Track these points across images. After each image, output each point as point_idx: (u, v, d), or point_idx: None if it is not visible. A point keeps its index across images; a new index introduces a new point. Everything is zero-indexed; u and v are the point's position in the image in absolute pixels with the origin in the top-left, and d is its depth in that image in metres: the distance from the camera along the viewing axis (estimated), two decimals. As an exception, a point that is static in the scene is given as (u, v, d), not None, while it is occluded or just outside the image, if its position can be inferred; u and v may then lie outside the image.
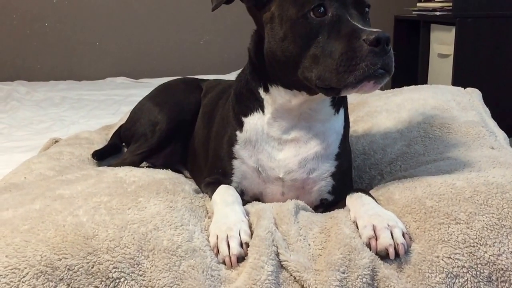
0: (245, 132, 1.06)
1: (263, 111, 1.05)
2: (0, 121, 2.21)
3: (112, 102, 2.71)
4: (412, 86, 1.66)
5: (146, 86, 3.01)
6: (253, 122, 1.05)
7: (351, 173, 1.16)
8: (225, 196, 0.98)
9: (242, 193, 1.06)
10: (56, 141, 1.58)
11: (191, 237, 0.88)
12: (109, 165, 1.31)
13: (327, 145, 1.05)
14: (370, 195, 0.98)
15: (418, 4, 3.41)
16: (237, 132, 1.08)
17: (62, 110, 2.50)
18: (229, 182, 1.07)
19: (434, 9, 3.10)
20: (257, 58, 1.03)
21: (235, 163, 1.07)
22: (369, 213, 0.89)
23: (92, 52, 3.53)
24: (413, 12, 3.39)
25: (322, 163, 1.05)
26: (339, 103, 1.06)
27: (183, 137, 1.39)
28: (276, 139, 1.04)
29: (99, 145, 1.51)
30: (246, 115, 1.07)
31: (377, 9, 3.80)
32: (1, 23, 3.33)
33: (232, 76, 3.08)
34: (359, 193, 0.97)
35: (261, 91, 1.05)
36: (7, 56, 3.36)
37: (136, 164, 1.31)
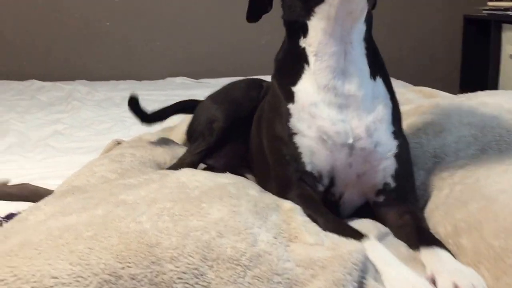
0: (298, 101, 1.01)
1: (308, 63, 1.01)
2: (61, 121, 2.25)
3: (173, 103, 2.71)
4: (486, 91, 1.59)
5: (207, 86, 3.01)
6: (303, 86, 1.01)
7: (412, 168, 1.09)
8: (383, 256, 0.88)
9: (320, 177, 1.01)
10: (119, 143, 1.59)
11: (255, 240, 0.84)
12: (169, 167, 1.30)
13: (379, 114, 1.01)
14: (445, 247, 0.90)
15: (489, 3, 3.25)
16: (289, 105, 1.03)
17: (122, 111, 2.51)
18: (303, 166, 1.00)
19: (506, 9, 2.95)
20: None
21: (297, 139, 1.01)
22: (449, 269, 0.82)
23: (152, 51, 3.57)
24: (484, 12, 3.24)
25: (384, 137, 1.00)
26: (375, 68, 1.02)
27: (242, 136, 1.36)
28: (332, 91, 0.99)
29: (162, 148, 1.50)
30: (294, 83, 1.03)
31: (445, 8, 3.66)
32: (63, 23, 3.42)
33: None
34: (434, 247, 0.89)
35: (301, 41, 1.02)
36: (68, 56, 3.44)
37: (195, 163, 1.30)
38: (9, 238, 0.85)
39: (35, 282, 0.74)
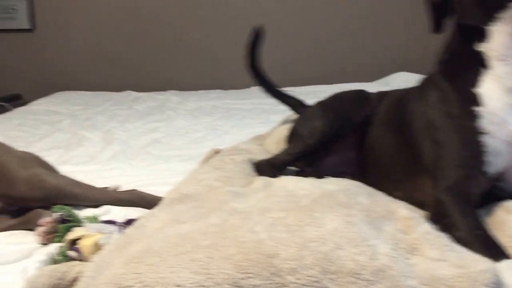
0: (487, 103, 1.02)
1: (487, 67, 1.02)
2: (158, 129, 2.33)
3: (260, 111, 2.73)
4: None
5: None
6: (488, 89, 1.02)
7: None
8: None
9: (495, 178, 1.02)
10: (217, 152, 1.61)
11: (375, 253, 0.80)
12: (258, 162, 1.34)
13: None
14: None
15: None
16: (476, 107, 1.03)
17: (213, 119, 2.56)
18: (483, 165, 1.01)
19: None
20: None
21: (486, 139, 1.01)
22: None
23: (238, 61, 3.61)
24: None
25: None
26: None
27: (345, 148, 1.35)
28: None
29: (257, 156, 1.51)
30: (474, 85, 1.04)
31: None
32: (154, 35, 3.56)
33: (377, 84, 3.01)
34: None
35: (478, 45, 1.03)
36: (160, 67, 3.58)
37: (286, 163, 1.31)
38: (131, 244, 0.87)
39: (161, 290, 0.75)
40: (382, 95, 1.41)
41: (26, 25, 3.51)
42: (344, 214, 0.90)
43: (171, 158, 1.86)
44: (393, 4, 3.37)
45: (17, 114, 2.66)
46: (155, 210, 1.00)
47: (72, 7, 3.51)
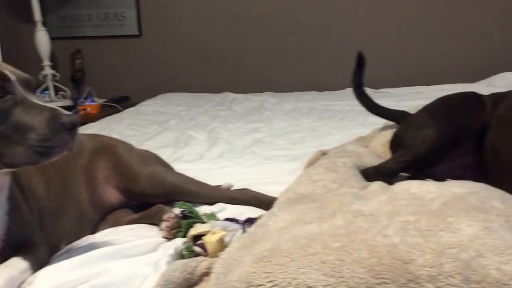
0: None
1: None
2: (259, 130, 2.35)
3: (357, 113, 2.66)
4: None
5: (386, 96, 2.92)
6: None
7: None
8: None
9: None
10: (324, 153, 1.59)
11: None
12: (365, 170, 1.31)
13: None
14: None
15: None
16: None
17: (312, 120, 2.54)
18: None
19: None
20: None
21: None
22: None
23: (334, 63, 3.58)
24: None
25: None
26: None
27: (461, 154, 1.30)
28: None
29: (366, 158, 1.47)
30: None
31: None
32: (252, 40, 3.61)
33: (481, 85, 2.83)
34: None
35: None
36: (258, 69, 3.62)
37: (396, 171, 1.28)
38: (257, 242, 0.87)
39: (291, 290, 0.74)
40: (498, 97, 1.33)
41: (135, 31, 3.71)
42: (482, 219, 0.84)
43: (276, 158, 1.86)
44: (497, 3, 3.17)
45: (127, 115, 2.81)
46: (275, 210, 1.00)
47: (176, 14, 3.65)
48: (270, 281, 0.76)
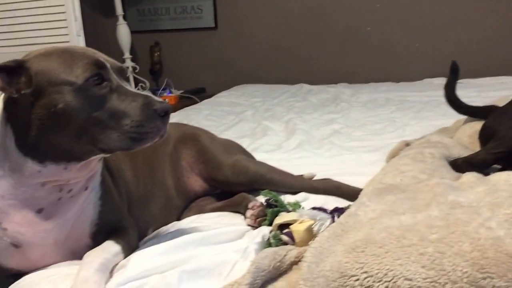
0: None
1: None
2: (336, 121, 2.31)
3: (437, 104, 2.55)
4: None
5: (467, 87, 2.78)
6: None
7: None
8: None
9: None
10: (407, 144, 1.54)
11: None
12: (455, 160, 1.27)
13: None
14: None
15: None
16: None
17: (389, 112, 2.47)
18: None
19: None
20: None
21: None
22: None
23: (411, 53, 3.46)
24: None
25: None
26: None
27: None
28: None
29: (454, 149, 1.40)
30: None
31: None
32: (327, 31, 3.55)
33: None
34: None
35: None
36: (332, 60, 3.56)
37: (488, 162, 1.23)
38: (347, 232, 0.85)
39: (387, 282, 0.72)
40: None
41: (211, 24, 3.76)
42: None
43: (354, 148, 1.82)
44: None
45: (205, 105, 2.86)
46: (364, 199, 0.97)
47: (251, 6, 3.67)
48: (365, 272, 0.74)
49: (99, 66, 0.89)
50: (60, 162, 0.89)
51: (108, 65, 0.91)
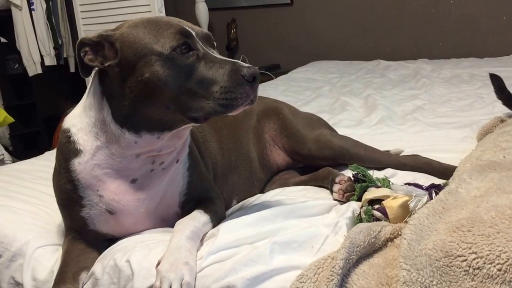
0: None
1: None
2: (418, 97, 2.22)
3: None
4: None
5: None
6: None
7: None
8: None
9: None
10: (502, 120, 1.44)
11: None
12: None
13: None
14: None
15: None
16: None
17: (475, 88, 2.33)
18: None
19: None
20: None
21: None
22: None
23: (497, 28, 3.22)
24: None
25: None
26: None
27: None
28: None
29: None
30: None
31: None
32: (407, 5, 3.39)
33: None
34: None
35: None
36: (412, 36, 3.40)
37: None
38: (449, 210, 0.80)
39: (501, 264, 0.66)
40: None
41: (287, 0, 3.68)
42: None
43: (441, 125, 1.73)
44: None
45: (281, 81, 2.82)
46: (465, 176, 0.91)
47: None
48: (473, 252, 0.68)
49: (185, 35, 0.88)
50: (154, 132, 0.90)
51: (194, 33, 0.90)
